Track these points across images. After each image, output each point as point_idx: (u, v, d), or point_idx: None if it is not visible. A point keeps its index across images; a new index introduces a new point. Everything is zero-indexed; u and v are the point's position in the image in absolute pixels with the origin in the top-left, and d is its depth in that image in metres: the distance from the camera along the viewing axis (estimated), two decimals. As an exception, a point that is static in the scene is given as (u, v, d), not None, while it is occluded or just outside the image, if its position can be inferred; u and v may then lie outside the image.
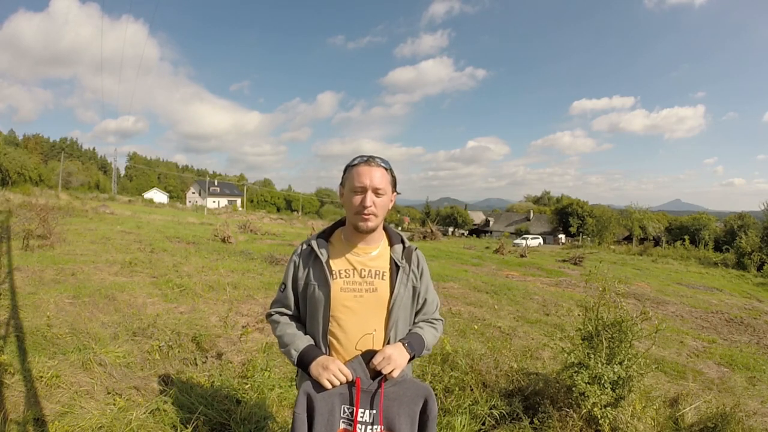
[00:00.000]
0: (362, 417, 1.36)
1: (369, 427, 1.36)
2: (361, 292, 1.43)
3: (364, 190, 1.40)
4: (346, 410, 1.37)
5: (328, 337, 1.43)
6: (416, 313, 1.58)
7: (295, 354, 1.41)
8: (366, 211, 1.39)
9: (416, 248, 1.58)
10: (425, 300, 1.58)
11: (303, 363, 1.39)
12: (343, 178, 1.49)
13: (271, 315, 1.56)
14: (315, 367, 1.35)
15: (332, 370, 1.32)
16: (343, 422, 1.37)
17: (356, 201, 1.41)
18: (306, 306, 1.49)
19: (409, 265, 1.51)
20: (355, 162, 1.44)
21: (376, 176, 1.40)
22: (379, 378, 1.37)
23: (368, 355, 1.39)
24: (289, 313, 1.54)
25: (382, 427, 1.36)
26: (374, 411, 1.36)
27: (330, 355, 1.43)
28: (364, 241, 1.48)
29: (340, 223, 1.60)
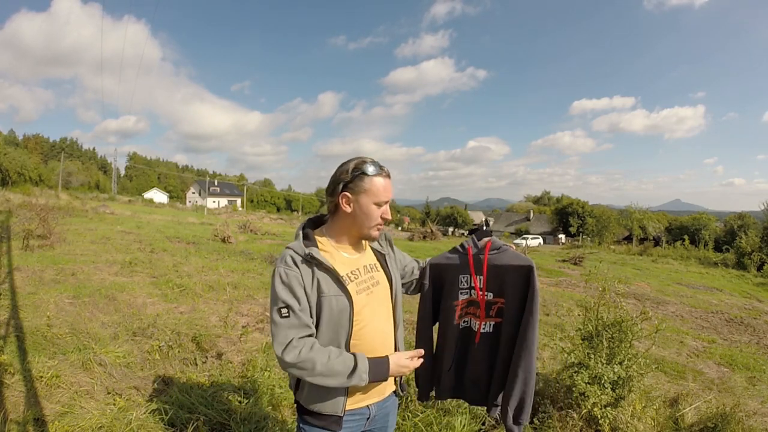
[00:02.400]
0: (477, 282, 1.59)
1: (479, 291, 1.59)
2: (370, 288, 1.44)
3: (386, 204, 1.43)
4: (462, 280, 1.62)
5: (352, 341, 1.38)
6: (401, 279, 1.68)
7: (366, 378, 1.31)
8: (383, 223, 1.45)
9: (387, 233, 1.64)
10: (407, 262, 1.72)
11: (378, 376, 1.33)
12: (354, 183, 1.38)
13: (296, 351, 1.26)
14: (395, 370, 1.37)
15: (407, 365, 1.40)
16: (462, 293, 1.63)
17: (378, 214, 1.41)
18: (320, 322, 1.35)
19: (392, 250, 1.62)
20: (374, 171, 1.39)
21: (392, 189, 1.45)
22: (483, 245, 1.61)
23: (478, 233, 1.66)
24: (311, 333, 1.33)
25: (488, 292, 1.58)
26: (481, 276, 1.58)
27: None
28: (354, 241, 1.49)
29: (312, 224, 1.53)
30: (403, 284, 1.69)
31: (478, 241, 1.63)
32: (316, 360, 1.26)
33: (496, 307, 1.57)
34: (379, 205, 1.41)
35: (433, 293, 1.68)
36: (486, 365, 1.61)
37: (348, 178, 1.38)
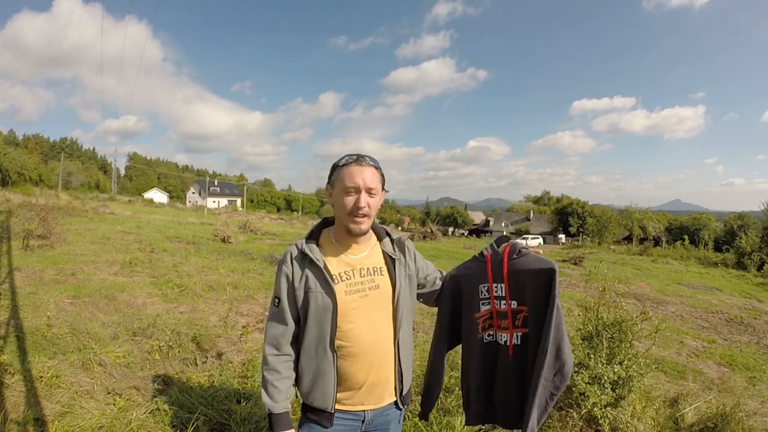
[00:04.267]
0: (496, 291, 1.50)
1: (502, 301, 1.49)
2: (365, 291, 1.41)
3: (357, 191, 1.36)
4: (483, 290, 1.53)
5: (338, 341, 1.38)
6: (422, 288, 1.64)
7: (266, 410, 1.39)
8: (360, 213, 1.37)
9: (406, 238, 1.57)
10: (429, 272, 1.64)
11: (272, 423, 1.39)
12: (331, 177, 1.44)
13: (271, 349, 1.41)
14: None
15: None
16: (483, 304, 1.53)
17: (349, 202, 1.37)
18: (308, 316, 1.39)
19: (404, 257, 1.52)
20: (345, 161, 1.40)
21: (367, 176, 1.37)
22: (503, 251, 1.51)
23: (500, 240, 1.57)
24: (288, 329, 1.42)
25: (512, 300, 1.47)
26: (502, 284, 1.49)
27: (342, 359, 1.38)
28: (356, 240, 1.46)
29: (325, 224, 1.55)
30: (423, 294, 1.64)
31: (497, 246, 1.54)
32: (269, 370, 1.39)
33: (521, 315, 1.46)
34: (347, 192, 1.37)
35: (452, 308, 1.59)
36: (517, 381, 1.48)
37: (330, 172, 1.45)
